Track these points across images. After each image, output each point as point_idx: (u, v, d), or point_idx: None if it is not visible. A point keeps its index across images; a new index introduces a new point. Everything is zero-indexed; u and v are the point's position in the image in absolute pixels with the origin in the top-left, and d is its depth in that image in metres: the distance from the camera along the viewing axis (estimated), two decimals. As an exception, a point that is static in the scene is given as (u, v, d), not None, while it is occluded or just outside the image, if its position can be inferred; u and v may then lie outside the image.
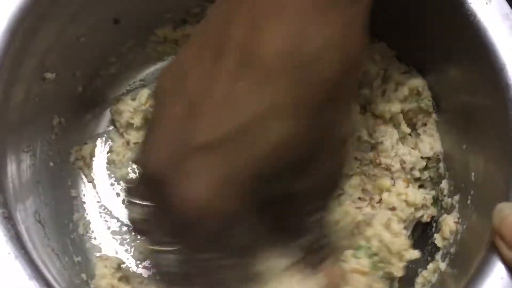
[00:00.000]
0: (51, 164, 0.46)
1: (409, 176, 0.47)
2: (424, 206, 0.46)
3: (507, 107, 0.37)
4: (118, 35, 0.48)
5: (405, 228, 0.45)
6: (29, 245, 0.35)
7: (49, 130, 0.45)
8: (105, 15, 0.45)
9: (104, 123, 0.52)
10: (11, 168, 0.38)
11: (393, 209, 0.46)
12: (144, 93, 0.50)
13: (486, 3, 0.39)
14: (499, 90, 0.37)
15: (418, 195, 0.46)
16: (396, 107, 0.47)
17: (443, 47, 0.43)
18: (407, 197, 0.45)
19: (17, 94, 0.38)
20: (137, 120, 0.50)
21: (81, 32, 0.44)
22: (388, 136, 0.47)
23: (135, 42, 0.50)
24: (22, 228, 0.35)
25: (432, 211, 0.47)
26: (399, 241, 0.42)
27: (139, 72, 0.53)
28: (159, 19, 0.49)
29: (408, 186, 0.47)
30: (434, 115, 0.48)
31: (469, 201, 0.42)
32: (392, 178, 0.47)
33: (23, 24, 0.36)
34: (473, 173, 0.42)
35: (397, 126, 0.48)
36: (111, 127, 0.52)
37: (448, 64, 0.44)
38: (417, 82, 0.47)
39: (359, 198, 0.47)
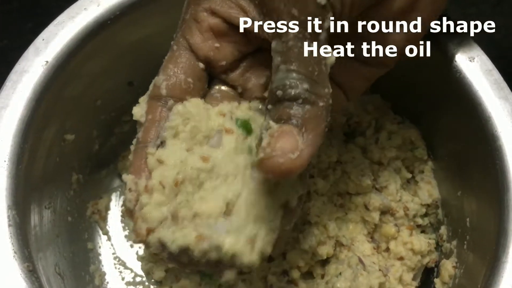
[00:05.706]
0: (70, 219, 0.48)
1: (412, 223, 0.48)
2: (429, 252, 0.47)
3: (494, 156, 0.39)
4: (131, 96, 0.50)
5: (414, 275, 0.47)
6: (51, 297, 0.37)
7: (68, 186, 0.48)
8: (120, 80, 0.49)
9: (118, 178, 0.54)
10: (34, 223, 0.41)
11: (401, 258, 0.47)
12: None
13: (470, 61, 0.41)
14: (486, 140, 0.39)
15: (423, 243, 0.47)
16: (391, 152, 0.48)
17: (434, 100, 0.46)
18: (412, 245, 0.46)
19: (41, 156, 0.41)
20: None
21: (98, 96, 0.47)
22: (392, 181, 0.48)
23: (147, 101, 0.53)
24: (44, 280, 0.37)
25: (436, 255, 0.48)
26: None
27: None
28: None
29: (411, 234, 0.48)
30: (430, 163, 0.49)
31: (465, 246, 0.43)
32: (396, 225, 0.48)
33: (46, 93, 0.40)
34: (468, 219, 0.43)
35: (397, 171, 0.49)
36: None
37: (439, 116, 0.46)
38: (410, 132, 0.49)
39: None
